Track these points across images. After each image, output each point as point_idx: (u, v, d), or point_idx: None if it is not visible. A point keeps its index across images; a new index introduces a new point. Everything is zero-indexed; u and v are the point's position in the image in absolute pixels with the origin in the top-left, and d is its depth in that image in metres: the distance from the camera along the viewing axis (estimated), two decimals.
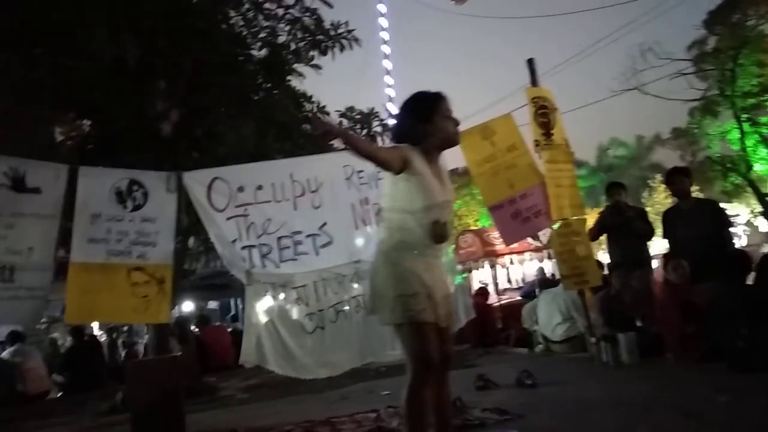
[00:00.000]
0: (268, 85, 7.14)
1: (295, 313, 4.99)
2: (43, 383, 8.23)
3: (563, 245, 5.55)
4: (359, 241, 5.32)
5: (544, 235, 9.75)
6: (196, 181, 4.90)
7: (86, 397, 7.51)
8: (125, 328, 12.49)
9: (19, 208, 4.17)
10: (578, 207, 5.71)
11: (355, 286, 5.17)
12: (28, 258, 4.14)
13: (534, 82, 5.85)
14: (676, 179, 5.76)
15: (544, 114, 5.54)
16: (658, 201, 32.18)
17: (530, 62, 5.91)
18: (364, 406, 4.68)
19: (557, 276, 10.08)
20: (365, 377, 6.32)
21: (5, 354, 8.07)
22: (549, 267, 10.69)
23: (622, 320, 5.51)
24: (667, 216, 5.86)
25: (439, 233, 2.55)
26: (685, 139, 22.63)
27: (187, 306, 13.00)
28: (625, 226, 5.95)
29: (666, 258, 5.50)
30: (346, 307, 5.13)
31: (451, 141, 2.69)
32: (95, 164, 4.99)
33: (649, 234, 6.25)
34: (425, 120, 2.62)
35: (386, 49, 11.93)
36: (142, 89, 6.03)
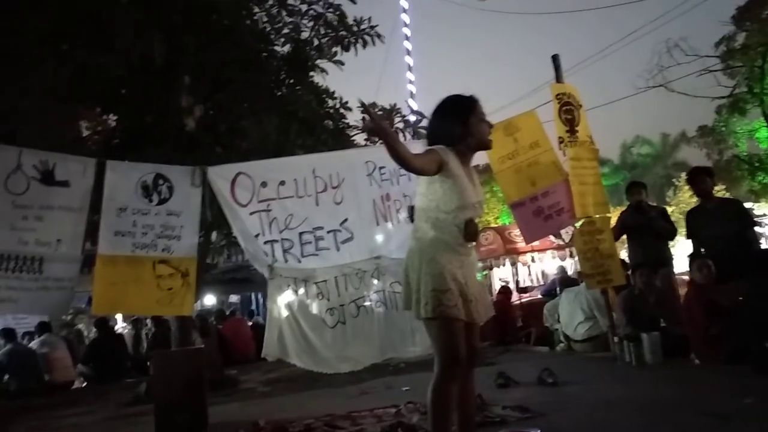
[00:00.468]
0: (291, 81, 7.19)
1: (316, 307, 5.04)
2: (68, 373, 8.41)
3: (587, 243, 5.50)
4: (380, 237, 5.33)
5: (567, 233, 9.68)
6: (220, 175, 4.96)
7: (110, 387, 7.67)
8: (149, 321, 12.67)
9: (48, 200, 4.26)
10: (602, 205, 5.65)
11: (375, 282, 5.19)
12: (57, 250, 4.24)
13: (558, 78, 5.79)
14: (698, 179, 5.68)
15: (568, 111, 5.48)
16: (683, 200, 31.63)
17: (555, 58, 5.85)
18: (384, 401, 4.70)
19: (579, 275, 10.03)
20: (385, 373, 6.34)
21: (33, 344, 8.26)
22: (570, 265, 10.58)
23: (645, 320, 5.44)
24: (691, 216, 5.78)
25: (471, 232, 2.62)
26: (711, 138, 22.15)
27: (209, 300, 13.15)
28: (646, 226, 5.89)
29: (691, 258, 5.41)
30: (367, 303, 5.16)
31: (485, 143, 2.73)
32: (121, 159, 5.08)
33: (672, 234, 6.17)
34: (462, 122, 2.67)
35: (408, 45, 11.91)
36: (168, 85, 6.11)
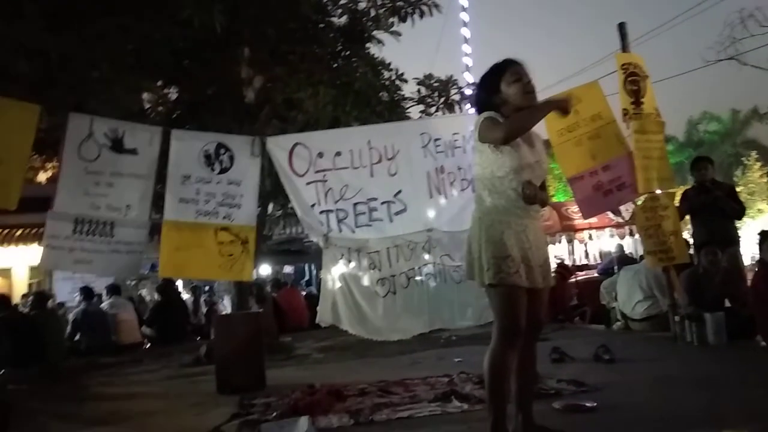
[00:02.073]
0: (347, 52, 7.18)
1: (368, 278, 5.11)
2: (134, 334, 8.85)
3: (649, 220, 5.31)
4: (433, 210, 5.34)
5: (626, 210, 9.38)
6: (278, 146, 5.06)
7: (172, 348, 8.03)
8: (207, 288, 13.17)
9: (118, 168, 4.47)
10: (667, 180, 5.43)
11: (426, 256, 5.21)
12: (127, 215, 4.45)
13: (624, 47, 5.55)
14: None
15: (634, 81, 5.26)
16: (752, 180, 30.05)
17: (621, 27, 5.60)
18: (436, 371, 4.73)
19: (638, 254, 9.72)
20: (436, 344, 6.38)
21: (104, 305, 8.71)
22: (629, 244, 10.27)
23: (709, 300, 5.25)
24: None
25: (530, 194, 2.58)
26: None
27: (264, 270, 13.50)
28: (712, 205, 5.65)
29: (762, 236, 5.16)
30: (417, 276, 5.18)
31: (522, 105, 2.63)
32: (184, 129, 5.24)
33: (739, 213, 5.91)
34: (493, 91, 2.67)
35: (465, 16, 11.65)
36: (228, 57, 6.22)
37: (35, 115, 4.27)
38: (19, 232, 12.82)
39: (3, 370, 6.39)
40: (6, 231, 12.49)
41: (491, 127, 2.57)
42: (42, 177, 11.49)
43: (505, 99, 2.64)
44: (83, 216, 4.34)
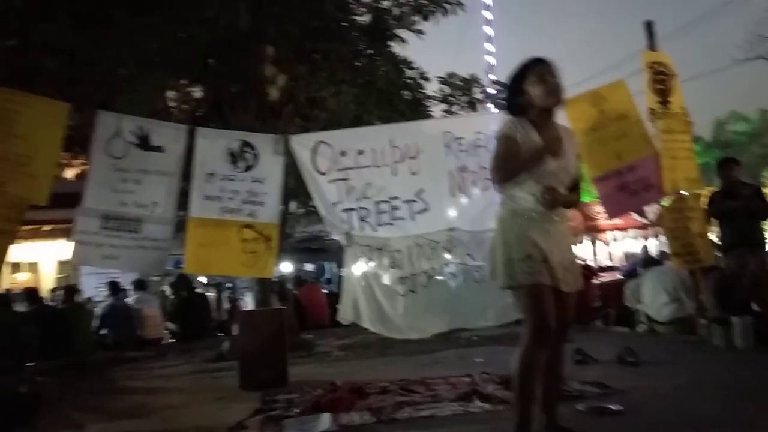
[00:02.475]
0: (370, 51, 7.19)
1: (388, 276, 5.11)
2: (158, 330, 8.97)
3: (676, 221, 5.22)
4: (455, 209, 5.31)
5: (652, 212, 9.23)
6: (301, 144, 5.09)
7: (194, 344, 8.12)
8: (229, 285, 13.27)
9: (145, 165, 4.54)
10: (694, 181, 5.33)
11: (447, 255, 5.19)
12: (153, 212, 4.52)
13: (652, 46, 5.47)
14: None
15: (661, 80, 5.19)
16: None
17: (648, 25, 5.53)
18: (457, 371, 4.73)
19: (663, 255, 9.56)
20: (457, 344, 6.36)
21: (129, 300, 8.85)
22: (654, 246, 10.11)
23: (736, 303, 5.15)
24: None
25: (549, 200, 2.56)
26: None
27: (285, 267, 13.58)
28: (741, 209, 5.54)
29: None
30: (438, 276, 5.17)
31: (545, 106, 2.63)
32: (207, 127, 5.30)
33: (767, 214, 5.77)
34: (518, 93, 2.66)
35: (488, 14, 11.60)
36: (253, 55, 6.27)
37: (64, 113, 4.35)
38: (47, 228, 13.07)
39: (32, 363, 6.53)
40: (34, 226, 12.74)
41: (495, 158, 2.63)
42: (69, 173, 11.72)
43: (530, 101, 2.63)
44: (111, 212, 4.42)
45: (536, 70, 2.62)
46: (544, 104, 2.62)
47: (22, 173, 4.15)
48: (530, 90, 2.61)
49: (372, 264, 5.14)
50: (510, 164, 2.58)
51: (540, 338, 2.50)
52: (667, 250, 6.28)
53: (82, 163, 10.33)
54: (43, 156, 4.25)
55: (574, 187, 2.78)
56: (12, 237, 4.22)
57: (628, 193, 5.13)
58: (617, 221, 9.01)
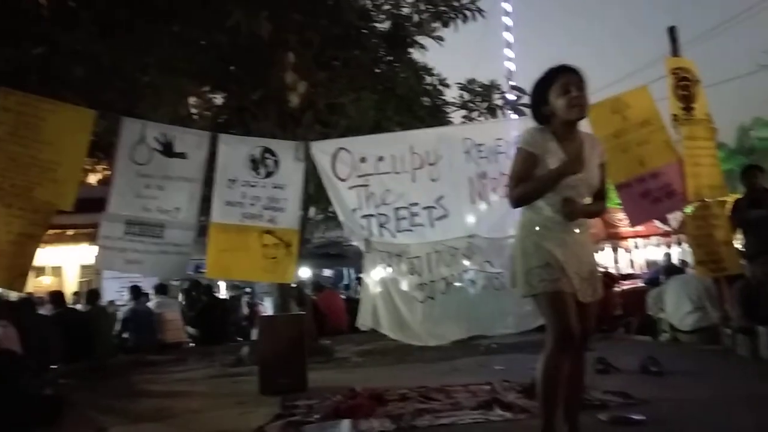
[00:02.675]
0: (390, 57, 7.22)
1: (407, 283, 5.11)
2: (179, 334, 9.07)
3: (700, 228, 5.15)
4: (475, 216, 5.29)
5: (675, 219, 9.11)
6: (322, 150, 5.12)
7: (214, 349, 8.19)
8: (248, 290, 13.36)
9: (168, 171, 4.60)
10: (719, 188, 5.25)
11: (466, 262, 5.17)
12: (176, 217, 4.58)
13: (675, 51, 5.41)
14: None
15: (684, 86, 5.12)
16: None
17: (671, 30, 5.47)
18: (477, 378, 4.70)
19: (685, 263, 9.41)
20: (476, 352, 6.32)
21: (151, 304, 8.96)
22: (676, 253, 9.96)
23: (763, 312, 5.05)
24: None
25: (568, 211, 2.54)
26: None
27: (304, 273, 13.63)
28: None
29: None
30: (457, 282, 5.15)
31: (567, 118, 2.58)
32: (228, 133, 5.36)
33: None
34: (541, 103, 2.63)
35: (508, 20, 11.57)
36: (273, 63, 6.33)
37: (91, 119, 4.44)
38: (70, 232, 13.29)
39: (55, 365, 6.63)
40: (58, 231, 12.96)
41: (511, 176, 2.63)
42: (92, 179, 11.92)
43: (553, 111, 2.59)
44: (135, 218, 4.48)
45: (561, 80, 2.56)
46: (567, 117, 2.57)
47: (49, 179, 4.24)
48: (553, 101, 2.57)
49: (391, 270, 5.15)
50: (526, 188, 2.56)
51: (563, 344, 2.48)
52: (690, 258, 6.20)
53: (105, 169, 10.54)
54: (70, 162, 4.33)
55: (600, 196, 2.74)
56: (39, 241, 4.31)
57: (651, 200, 5.07)
58: (639, 228, 8.87)
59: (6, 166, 4.17)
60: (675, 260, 9.82)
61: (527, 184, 2.57)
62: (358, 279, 11.12)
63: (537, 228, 2.58)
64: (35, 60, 5.87)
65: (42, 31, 5.77)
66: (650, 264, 11.05)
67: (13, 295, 7.88)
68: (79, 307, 9.03)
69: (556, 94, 2.56)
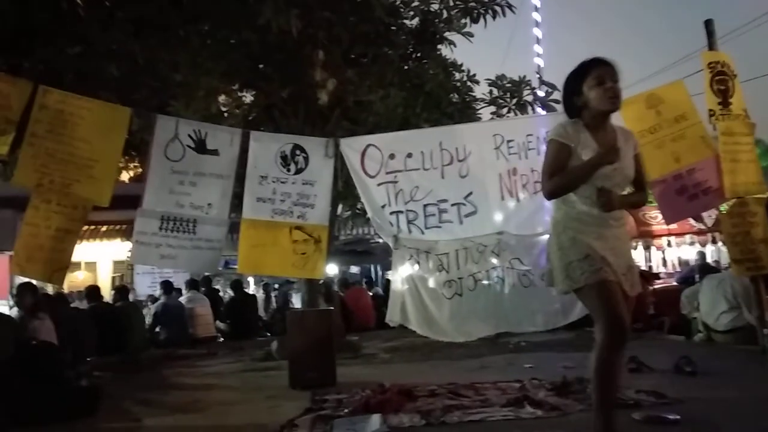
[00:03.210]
0: (419, 54, 7.20)
1: (435, 279, 5.09)
2: (209, 329, 9.20)
3: (736, 226, 5.02)
4: (504, 213, 5.24)
5: (709, 216, 8.90)
6: (351, 147, 5.14)
7: (244, 343, 8.31)
8: (276, 285, 13.51)
9: (201, 168, 4.67)
10: (757, 184, 5.10)
11: (494, 260, 5.12)
12: (208, 213, 4.65)
13: (711, 45, 5.28)
14: None
15: (721, 81, 5.00)
16: None
17: (708, 24, 5.34)
18: (506, 376, 4.68)
19: (720, 262, 9.20)
20: (505, 350, 6.30)
21: (182, 299, 9.12)
22: (710, 252, 9.73)
23: None
24: None
25: (604, 201, 2.51)
26: None
27: (331, 269, 13.73)
28: None
29: None
30: (485, 280, 5.12)
31: (601, 110, 2.56)
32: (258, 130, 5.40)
33: None
34: (574, 93, 2.61)
35: (537, 16, 11.45)
36: (303, 60, 6.38)
37: (127, 117, 4.53)
38: (104, 228, 13.62)
39: (89, 358, 6.80)
40: (92, 227, 13.29)
41: (544, 167, 2.60)
42: (125, 176, 12.19)
43: (586, 102, 2.58)
44: (169, 214, 4.56)
45: (596, 71, 2.55)
46: (601, 108, 2.56)
47: (86, 175, 4.34)
48: (587, 92, 2.56)
49: (419, 267, 5.14)
50: (561, 180, 2.54)
51: (615, 335, 2.40)
52: (724, 257, 6.05)
53: (136, 166, 10.76)
54: (106, 159, 4.43)
55: (640, 187, 2.73)
56: (77, 236, 4.42)
57: (687, 197, 4.96)
58: (672, 226, 8.68)
59: (44, 162, 4.28)
60: (709, 259, 9.60)
61: (561, 175, 2.55)
62: (384, 276, 11.13)
63: (573, 223, 2.55)
64: (72, 59, 6.02)
65: (79, 31, 5.91)
66: (682, 263, 10.80)
67: (49, 289, 8.13)
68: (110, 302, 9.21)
69: (591, 85, 2.55)
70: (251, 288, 14.50)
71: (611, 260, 2.49)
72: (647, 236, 10.79)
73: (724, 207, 5.18)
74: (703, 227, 9.99)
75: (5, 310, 7.98)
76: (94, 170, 4.36)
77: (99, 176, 4.38)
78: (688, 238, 10.71)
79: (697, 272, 7.33)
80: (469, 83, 7.07)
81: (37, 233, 4.23)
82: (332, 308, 6.62)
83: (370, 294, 11.06)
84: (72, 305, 8.28)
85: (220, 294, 12.82)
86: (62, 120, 4.33)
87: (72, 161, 4.34)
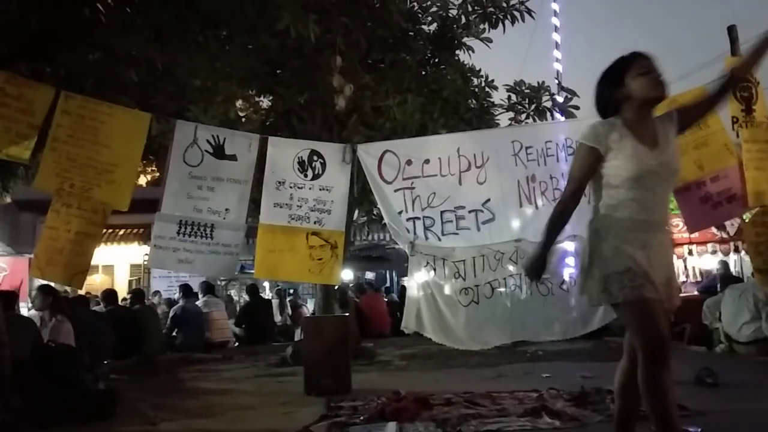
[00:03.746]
0: (436, 59, 7.18)
1: (451, 286, 5.06)
2: (224, 333, 9.24)
3: (760, 235, 4.91)
4: (522, 220, 5.19)
5: (732, 225, 8.75)
6: (368, 153, 5.13)
7: (259, 348, 8.32)
8: (291, 291, 13.55)
9: (218, 173, 4.69)
10: None
11: (512, 267, 5.08)
12: (225, 218, 4.66)
13: (734, 51, 5.19)
14: None
15: (745, 87, 4.91)
16: None
17: (731, 29, 5.26)
18: (523, 385, 4.63)
19: (743, 272, 9.03)
20: (521, 359, 6.23)
21: (199, 303, 9.16)
22: (733, 262, 9.55)
23: None
24: None
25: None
26: None
27: (346, 275, 13.74)
28: None
29: None
30: (502, 288, 5.07)
31: (650, 97, 2.43)
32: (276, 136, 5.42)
33: None
34: (616, 84, 2.47)
35: (556, 21, 11.38)
36: (321, 66, 6.39)
37: (147, 123, 4.57)
38: (121, 232, 13.78)
39: (106, 361, 6.86)
40: (110, 231, 13.45)
41: (570, 174, 2.52)
42: (142, 180, 12.32)
43: (629, 93, 2.43)
44: (187, 218, 4.58)
45: (641, 62, 2.45)
46: (649, 95, 2.41)
47: (106, 180, 4.38)
48: (632, 82, 2.42)
49: (435, 273, 5.11)
50: (554, 216, 2.49)
51: (657, 356, 2.24)
52: (746, 267, 5.93)
53: (153, 171, 10.86)
54: (126, 164, 4.46)
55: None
56: (96, 240, 4.46)
57: (711, 205, 4.88)
58: (693, 235, 8.52)
59: (66, 167, 4.32)
60: (731, 269, 9.42)
61: (560, 211, 2.49)
62: (400, 283, 11.08)
63: (615, 230, 2.39)
64: (92, 65, 6.09)
65: (100, 38, 5.98)
66: (704, 272, 10.61)
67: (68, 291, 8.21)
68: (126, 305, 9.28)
69: (635, 74, 2.42)
70: (266, 293, 14.55)
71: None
72: None
73: (747, 215, 5.07)
74: (725, 236, 9.81)
75: (24, 312, 8.09)
76: (114, 175, 4.39)
77: (119, 181, 4.41)
78: (710, 246, 10.51)
79: (719, 282, 7.20)
80: (487, 89, 7.02)
81: (58, 237, 4.27)
82: (347, 314, 6.60)
83: (386, 300, 11.03)
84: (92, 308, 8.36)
85: (235, 299, 12.89)
86: (83, 125, 4.37)
87: (92, 166, 4.37)
